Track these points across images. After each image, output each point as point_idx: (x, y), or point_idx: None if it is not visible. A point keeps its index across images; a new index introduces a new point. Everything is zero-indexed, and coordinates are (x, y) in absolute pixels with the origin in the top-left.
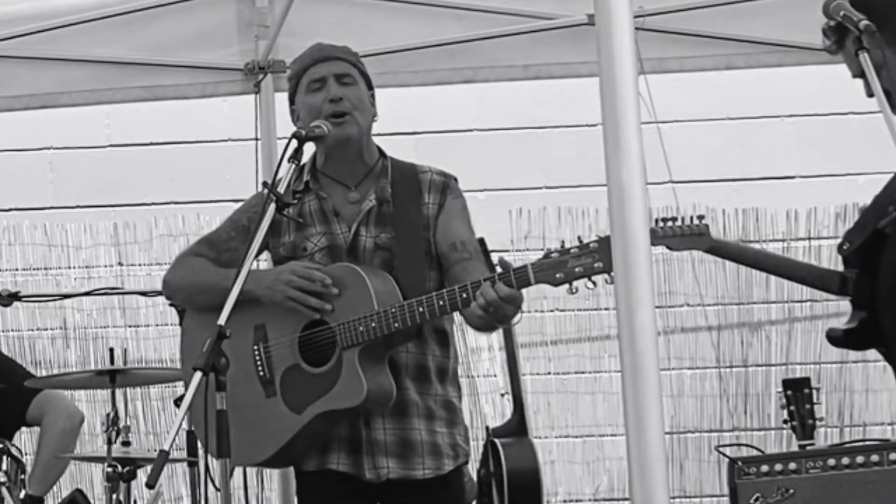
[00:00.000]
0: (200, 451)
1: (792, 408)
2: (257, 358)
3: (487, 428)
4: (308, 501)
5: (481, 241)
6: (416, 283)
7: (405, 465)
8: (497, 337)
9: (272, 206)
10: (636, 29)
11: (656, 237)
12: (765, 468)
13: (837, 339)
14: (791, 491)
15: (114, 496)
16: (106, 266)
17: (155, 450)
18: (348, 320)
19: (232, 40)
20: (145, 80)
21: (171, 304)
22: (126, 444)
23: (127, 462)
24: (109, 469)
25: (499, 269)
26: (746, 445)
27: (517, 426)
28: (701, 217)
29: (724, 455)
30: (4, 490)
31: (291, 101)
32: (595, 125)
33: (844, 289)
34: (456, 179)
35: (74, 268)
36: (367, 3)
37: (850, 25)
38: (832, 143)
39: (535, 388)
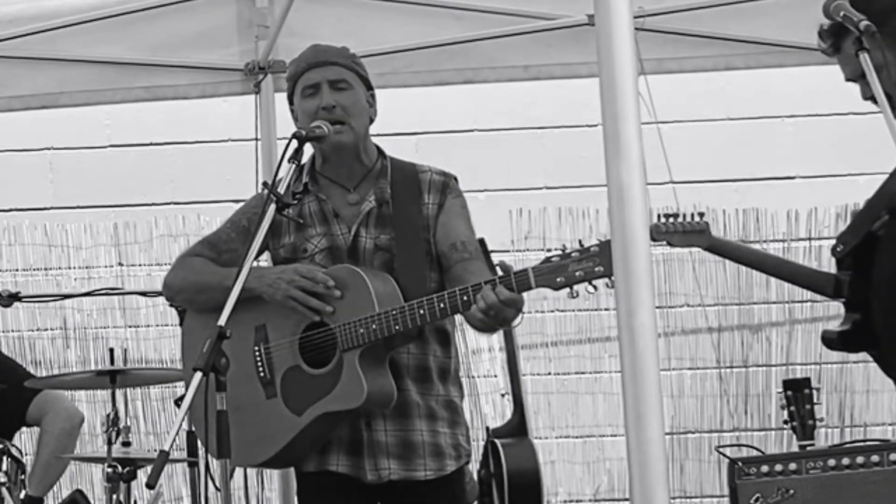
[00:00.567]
0: (201, 452)
1: (792, 408)
2: (258, 359)
3: (488, 428)
4: (308, 502)
5: (481, 242)
6: (417, 283)
7: (406, 467)
8: (497, 337)
9: (272, 207)
10: (636, 29)
11: (658, 232)
12: (765, 468)
13: (832, 341)
14: (791, 491)
15: (114, 496)
16: (106, 266)
17: (155, 450)
18: (349, 322)
19: (232, 40)
20: (145, 80)
21: (171, 305)
22: (126, 444)
23: (127, 462)
24: (109, 469)
25: (500, 273)
26: (747, 446)
27: (517, 427)
28: (702, 214)
29: (725, 455)
30: (4, 490)
31: (291, 102)
32: (595, 125)
33: (839, 292)
34: (456, 179)
35: (74, 268)
36: (367, 3)
37: (850, 26)
38: (832, 143)
39: (535, 388)
